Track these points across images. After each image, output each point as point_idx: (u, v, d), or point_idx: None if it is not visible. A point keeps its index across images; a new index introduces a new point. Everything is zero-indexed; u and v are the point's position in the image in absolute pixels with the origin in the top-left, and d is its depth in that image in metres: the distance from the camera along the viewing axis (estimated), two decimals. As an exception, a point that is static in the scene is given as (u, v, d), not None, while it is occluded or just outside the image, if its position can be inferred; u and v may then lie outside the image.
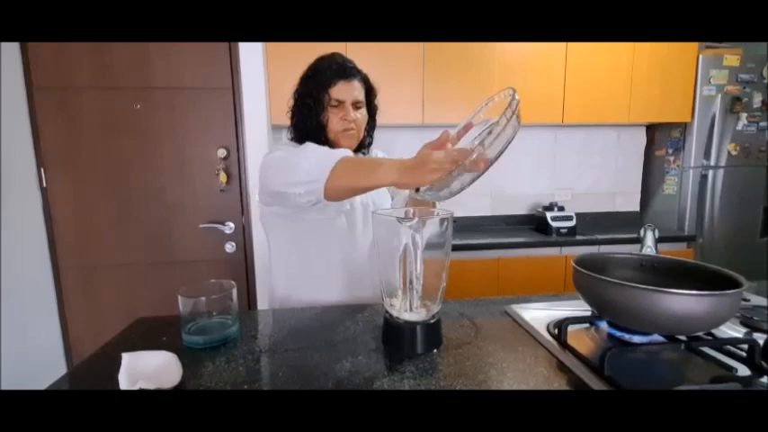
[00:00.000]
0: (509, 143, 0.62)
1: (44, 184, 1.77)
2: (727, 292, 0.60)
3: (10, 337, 1.66)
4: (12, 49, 1.66)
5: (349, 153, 0.79)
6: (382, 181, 0.69)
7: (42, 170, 1.76)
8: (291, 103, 0.98)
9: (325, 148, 0.81)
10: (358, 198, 0.99)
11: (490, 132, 0.59)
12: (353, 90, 0.93)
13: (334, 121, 0.93)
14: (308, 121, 0.94)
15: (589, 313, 0.78)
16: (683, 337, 0.68)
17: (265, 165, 0.86)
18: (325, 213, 0.92)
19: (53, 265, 1.82)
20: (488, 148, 0.59)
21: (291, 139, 1.00)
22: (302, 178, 0.75)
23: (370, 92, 0.99)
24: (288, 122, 1.00)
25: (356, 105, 0.95)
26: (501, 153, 0.62)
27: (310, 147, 0.84)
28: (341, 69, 0.93)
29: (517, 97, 0.62)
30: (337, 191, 0.74)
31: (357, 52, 1.81)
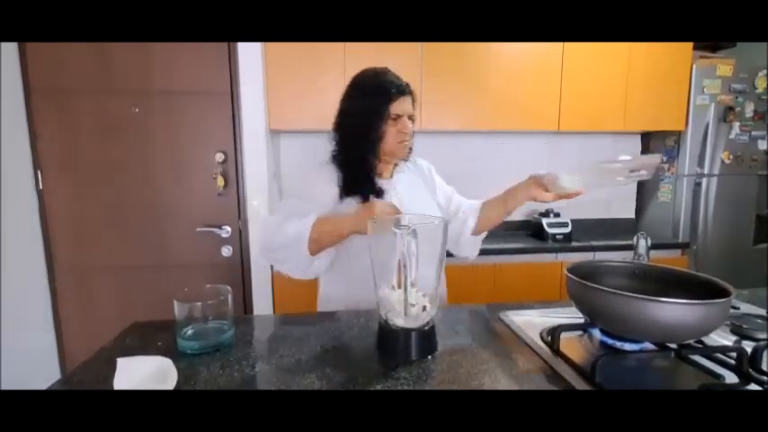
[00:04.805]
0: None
1: (41, 187, 1.77)
2: (717, 301, 0.61)
3: (4, 340, 1.65)
4: (10, 51, 1.66)
5: (313, 218, 0.92)
6: (347, 230, 0.90)
7: (39, 173, 1.76)
8: (338, 115, 1.04)
9: (296, 219, 0.92)
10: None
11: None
12: (409, 105, 1.01)
13: (392, 133, 1.00)
14: (365, 133, 0.99)
15: (582, 321, 0.79)
16: (673, 345, 0.69)
17: (256, 237, 0.96)
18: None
19: (49, 268, 1.81)
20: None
21: (334, 151, 1.04)
22: (288, 256, 0.93)
23: (414, 104, 1.06)
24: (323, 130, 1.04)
25: (410, 118, 1.02)
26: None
27: (278, 222, 0.95)
28: (400, 86, 1.00)
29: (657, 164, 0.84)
30: (318, 249, 0.93)
31: (354, 56, 1.83)
